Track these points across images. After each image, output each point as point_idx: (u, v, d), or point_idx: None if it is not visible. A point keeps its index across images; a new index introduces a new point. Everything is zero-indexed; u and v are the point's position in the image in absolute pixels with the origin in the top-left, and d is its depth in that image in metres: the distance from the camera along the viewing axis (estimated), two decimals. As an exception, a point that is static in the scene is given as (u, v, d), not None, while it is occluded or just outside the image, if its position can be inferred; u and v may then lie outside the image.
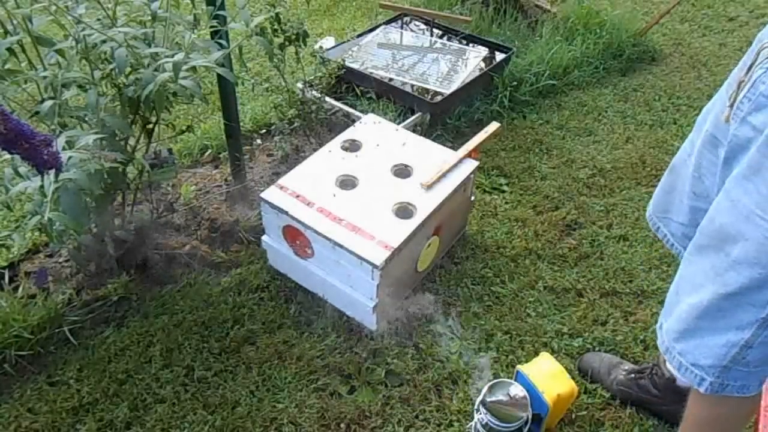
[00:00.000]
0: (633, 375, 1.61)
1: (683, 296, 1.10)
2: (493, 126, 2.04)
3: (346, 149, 1.95)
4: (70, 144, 1.41)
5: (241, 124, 2.25)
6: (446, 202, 1.78)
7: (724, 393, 1.08)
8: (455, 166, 1.86)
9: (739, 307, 0.99)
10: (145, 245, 1.95)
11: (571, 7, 3.27)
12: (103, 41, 1.47)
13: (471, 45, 2.92)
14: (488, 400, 1.41)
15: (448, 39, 2.97)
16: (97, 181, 1.43)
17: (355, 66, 2.64)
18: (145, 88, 1.45)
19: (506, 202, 2.27)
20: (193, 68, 1.50)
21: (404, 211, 1.74)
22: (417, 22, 3.10)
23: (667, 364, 1.52)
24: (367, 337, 1.75)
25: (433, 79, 2.63)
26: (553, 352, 1.72)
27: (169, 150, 2.02)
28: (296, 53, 2.20)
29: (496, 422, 1.39)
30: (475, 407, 1.44)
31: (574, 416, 1.57)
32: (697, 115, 1.22)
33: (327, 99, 2.47)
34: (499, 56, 2.84)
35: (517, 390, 1.43)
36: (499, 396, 1.42)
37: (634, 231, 2.15)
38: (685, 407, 1.55)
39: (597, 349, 1.75)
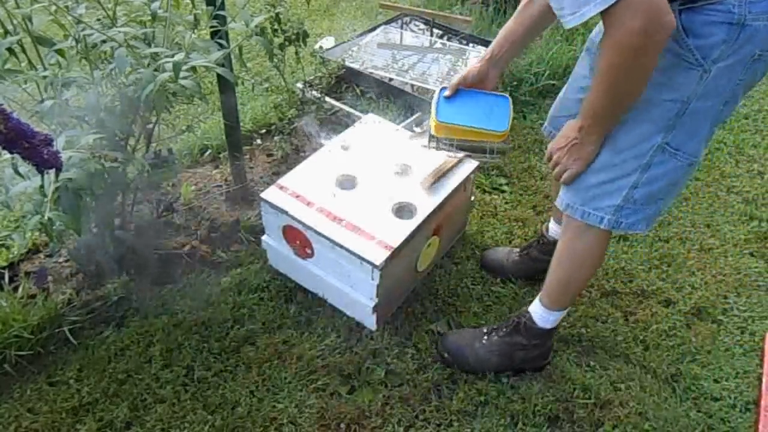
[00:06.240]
0: (525, 251, 1.89)
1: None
2: (493, 126, 2.03)
3: (346, 149, 1.95)
4: (70, 144, 1.41)
5: (241, 124, 2.25)
6: (446, 202, 1.78)
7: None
8: (455, 166, 1.86)
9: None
10: (145, 245, 1.95)
11: (571, 7, 3.26)
12: (103, 41, 1.47)
13: (471, 45, 2.92)
14: None
15: (448, 39, 2.97)
16: (97, 181, 1.43)
17: (355, 66, 2.64)
18: (145, 88, 1.45)
19: (506, 202, 2.27)
20: (193, 68, 1.50)
21: (404, 211, 1.74)
22: (417, 22, 3.10)
23: (550, 228, 1.82)
24: (367, 337, 1.75)
25: (433, 79, 2.63)
26: (553, 351, 1.72)
27: (169, 150, 2.02)
28: (296, 53, 2.20)
29: None
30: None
31: (574, 416, 1.57)
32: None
33: (327, 99, 2.47)
34: (499, 56, 2.83)
35: None
36: None
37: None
38: None
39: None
